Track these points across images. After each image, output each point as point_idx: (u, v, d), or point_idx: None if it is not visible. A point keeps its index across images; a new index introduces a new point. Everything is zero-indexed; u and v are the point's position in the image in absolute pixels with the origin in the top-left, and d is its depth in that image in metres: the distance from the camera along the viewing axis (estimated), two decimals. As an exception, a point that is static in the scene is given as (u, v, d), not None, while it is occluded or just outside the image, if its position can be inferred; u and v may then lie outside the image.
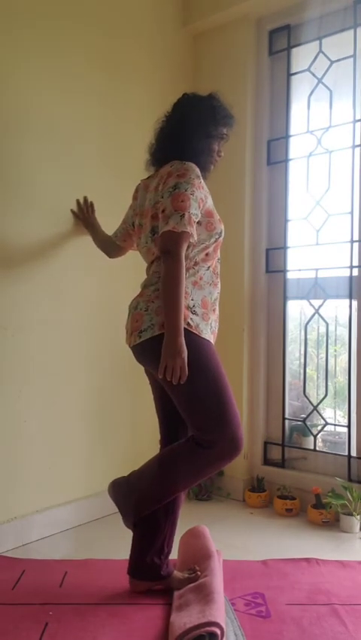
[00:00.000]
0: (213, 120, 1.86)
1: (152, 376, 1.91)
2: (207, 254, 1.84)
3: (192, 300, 1.77)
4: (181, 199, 1.70)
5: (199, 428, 1.72)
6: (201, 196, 1.76)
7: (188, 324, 1.71)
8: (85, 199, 2.46)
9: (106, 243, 2.31)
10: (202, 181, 1.80)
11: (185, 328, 1.68)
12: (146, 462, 1.85)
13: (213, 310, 1.86)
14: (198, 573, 1.84)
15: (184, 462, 1.75)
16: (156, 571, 1.83)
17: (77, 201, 2.45)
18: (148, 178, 1.96)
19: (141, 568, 1.83)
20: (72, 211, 2.44)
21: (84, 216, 2.44)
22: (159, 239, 1.74)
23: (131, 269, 2.38)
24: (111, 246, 2.27)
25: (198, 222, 1.76)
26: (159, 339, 1.69)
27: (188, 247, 1.74)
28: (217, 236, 1.85)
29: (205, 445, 1.70)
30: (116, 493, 1.83)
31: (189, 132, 1.84)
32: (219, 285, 1.91)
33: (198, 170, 1.79)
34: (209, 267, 1.86)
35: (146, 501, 1.78)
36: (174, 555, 2.02)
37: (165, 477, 1.77)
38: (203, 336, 1.76)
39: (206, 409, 1.71)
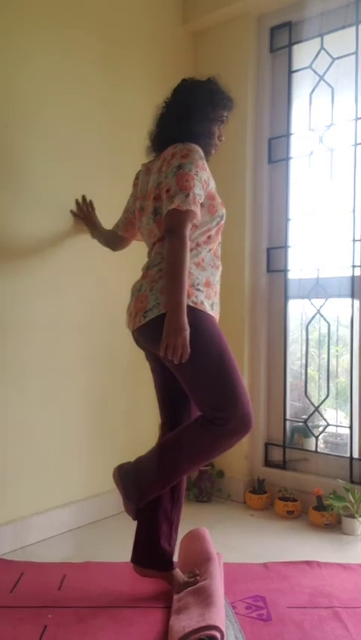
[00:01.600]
0: (212, 103, 1.87)
1: (153, 360, 1.89)
2: (209, 237, 1.84)
3: (196, 278, 1.77)
4: (186, 179, 1.70)
5: (209, 405, 1.69)
6: (205, 178, 1.77)
7: (193, 301, 1.71)
8: (83, 197, 2.44)
9: (108, 237, 2.30)
10: (205, 162, 1.81)
11: (190, 306, 1.68)
12: (154, 446, 1.83)
13: (215, 292, 1.86)
14: (198, 577, 1.83)
15: (194, 442, 1.72)
16: (167, 557, 1.82)
17: (76, 200, 2.43)
18: (150, 161, 1.96)
19: (151, 556, 1.82)
20: (72, 211, 2.42)
21: (84, 214, 2.43)
22: (165, 217, 1.73)
23: (131, 269, 2.35)
24: (114, 239, 2.26)
25: (201, 204, 1.76)
26: (163, 318, 1.67)
27: (191, 228, 1.74)
28: (219, 219, 1.86)
29: (217, 422, 1.68)
30: (122, 477, 1.81)
31: (188, 116, 1.84)
32: (220, 268, 1.91)
33: (201, 151, 1.79)
34: (210, 250, 1.86)
35: (154, 484, 1.76)
36: (174, 557, 2.01)
37: (173, 458, 1.75)
38: (208, 312, 1.76)
39: (216, 385, 1.69)
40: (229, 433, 1.69)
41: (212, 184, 1.83)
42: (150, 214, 1.86)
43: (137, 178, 2.01)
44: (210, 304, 1.80)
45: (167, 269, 1.68)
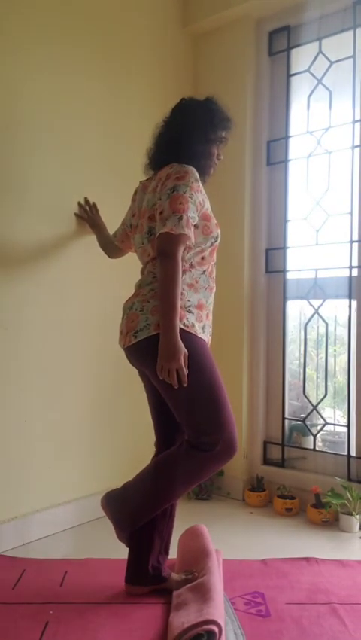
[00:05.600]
0: (212, 123, 1.86)
1: (146, 379, 1.90)
2: (202, 258, 1.84)
3: (188, 300, 1.77)
4: (179, 202, 1.70)
5: (196, 430, 1.71)
6: (199, 200, 1.76)
7: (184, 324, 1.71)
8: (86, 199, 2.46)
9: (106, 244, 2.33)
10: (200, 184, 1.80)
11: (181, 328, 1.68)
12: (140, 471, 1.84)
13: (207, 315, 1.85)
14: (195, 574, 1.84)
15: (181, 466, 1.74)
16: (157, 574, 1.83)
17: (79, 203, 2.45)
18: (147, 179, 1.96)
19: (142, 575, 1.82)
20: (76, 214, 2.44)
21: (89, 217, 2.45)
22: (157, 240, 1.74)
23: (133, 270, 2.37)
24: (111, 247, 2.29)
25: (195, 225, 1.76)
26: (155, 339, 1.69)
27: (184, 249, 1.74)
28: (213, 240, 1.85)
29: (202, 447, 1.70)
30: (110, 505, 1.82)
31: (187, 137, 1.84)
32: (214, 290, 1.91)
33: (197, 174, 1.79)
34: (204, 271, 1.86)
35: (143, 510, 1.78)
36: (172, 554, 2.03)
37: (162, 483, 1.76)
38: (199, 335, 1.76)
39: (202, 410, 1.70)
40: (213, 457, 1.71)
41: (207, 205, 1.83)
42: (145, 233, 1.86)
43: (135, 193, 2.01)
44: (202, 327, 1.80)
45: (160, 293, 1.69)
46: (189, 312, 1.76)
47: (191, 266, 1.82)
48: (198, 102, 1.91)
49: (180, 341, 1.66)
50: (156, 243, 1.75)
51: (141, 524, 1.79)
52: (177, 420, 1.79)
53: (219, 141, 1.91)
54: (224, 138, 1.93)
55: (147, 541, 1.82)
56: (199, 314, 1.80)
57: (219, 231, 1.88)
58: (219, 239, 1.88)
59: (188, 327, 1.73)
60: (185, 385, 1.66)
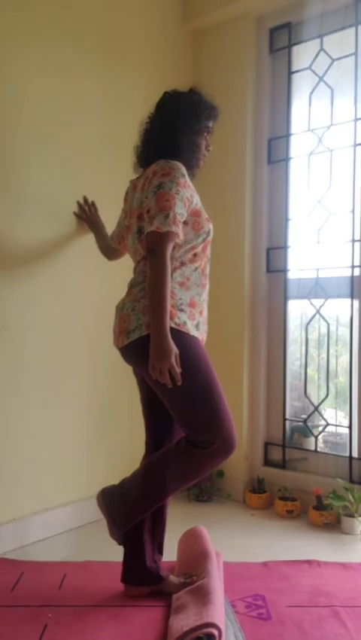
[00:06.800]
0: (195, 114, 1.83)
1: (140, 377, 1.89)
2: (194, 255, 1.82)
3: (180, 299, 1.75)
4: (166, 199, 1.68)
5: (193, 428, 1.70)
6: (187, 195, 1.73)
7: (175, 322, 1.69)
8: (85, 199, 2.45)
9: (104, 245, 2.32)
10: (188, 179, 1.77)
11: (173, 327, 1.67)
12: (138, 468, 1.83)
13: (201, 312, 1.83)
14: (195, 578, 1.83)
15: (178, 464, 1.73)
16: (155, 574, 1.82)
17: (78, 202, 2.44)
18: (137, 178, 1.93)
19: (139, 574, 1.82)
20: (75, 213, 2.43)
21: (88, 216, 2.43)
22: (145, 239, 1.72)
23: (131, 270, 2.37)
24: (108, 249, 2.27)
25: (184, 222, 1.74)
26: (147, 339, 1.67)
27: (174, 247, 1.72)
28: (205, 236, 1.82)
29: (200, 445, 1.69)
30: (107, 502, 1.80)
31: (171, 130, 1.81)
32: (207, 287, 1.88)
33: (183, 169, 1.76)
34: (197, 268, 1.83)
35: (138, 508, 1.76)
36: (172, 556, 2.02)
37: (159, 480, 1.75)
38: (191, 333, 1.74)
39: (199, 408, 1.69)
40: (212, 455, 1.70)
41: (196, 201, 1.80)
42: (135, 232, 1.84)
43: (126, 193, 1.98)
44: (195, 325, 1.78)
45: (149, 292, 1.67)
46: (181, 310, 1.74)
47: (182, 263, 1.79)
48: (181, 94, 1.88)
49: (171, 340, 1.64)
50: (144, 242, 1.73)
51: (136, 521, 1.78)
52: (174, 419, 1.78)
53: (205, 131, 1.87)
54: (210, 128, 1.89)
55: (141, 541, 1.81)
56: (192, 312, 1.78)
57: (210, 226, 1.85)
58: (211, 234, 1.86)
59: (180, 325, 1.71)
60: (178, 384, 1.64)
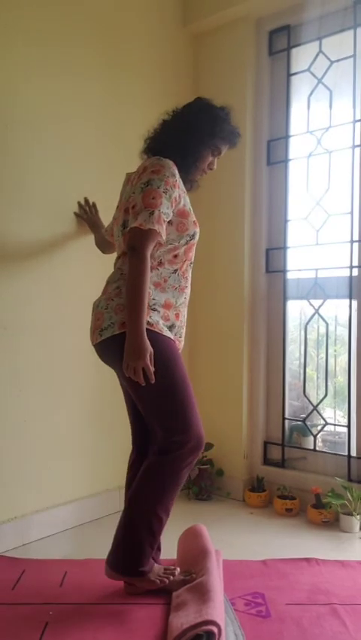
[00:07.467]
0: (211, 129, 1.83)
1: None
2: (175, 256, 1.81)
3: (153, 299, 1.75)
4: (152, 196, 1.67)
5: (167, 428, 1.71)
6: (175, 195, 1.73)
7: (148, 322, 1.69)
8: (86, 199, 2.46)
9: (100, 239, 2.34)
10: (178, 179, 1.76)
11: (145, 327, 1.66)
12: (122, 513, 1.80)
13: (177, 315, 1.83)
14: (194, 576, 1.83)
15: (159, 478, 1.73)
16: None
17: (79, 203, 2.45)
18: (133, 172, 1.93)
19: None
20: (75, 213, 2.44)
21: (88, 217, 2.44)
22: (127, 234, 1.71)
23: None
24: (104, 242, 2.28)
25: (169, 221, 1.73)
26: (119, 338, 1.68)
27: (155, 246, 1.72)
28: (189, 239, 1.81)
29: (172, 448, 1.70)
30: (114, 567, 1.77)
31: (182, 130, 1.82)
32: (187, 291, 1.87)
33: (174, 169, 1.75)
34: (176, 270, 1.82)
35: (146, 543, 1.74)
36: (172, 555, 2.03)
37: (148, 507, 1.74)
38: (164, 333, 1.74)
39: (169, 409, 1.70)
40: (184, 455, 1.71)
41: (184, 202, 1.79)
42: (120, 226, 1.84)
43: (123, 186, 1.98)
44: (169, 326, 1.78)
45: (127, 289, 1.67)
46: (154, 309, 1.74)
47: (160, 264, 1.78)
48: (210, 105, 1.88)
49: (147, 339, 1.64)
50: (126, 237, 1.73)
51: (150, 556, 1.76)
52: (146, 420, 1.78)
53: (213, 148, 1.87)
54: (220, 150, 1.89)
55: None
56: (165, 313, 1.78)
57: (197, 229, 1.83)
58: (196, 238, 1.84)
59: (153, 325, 1.71)
60: (152, 382, 1.65)
